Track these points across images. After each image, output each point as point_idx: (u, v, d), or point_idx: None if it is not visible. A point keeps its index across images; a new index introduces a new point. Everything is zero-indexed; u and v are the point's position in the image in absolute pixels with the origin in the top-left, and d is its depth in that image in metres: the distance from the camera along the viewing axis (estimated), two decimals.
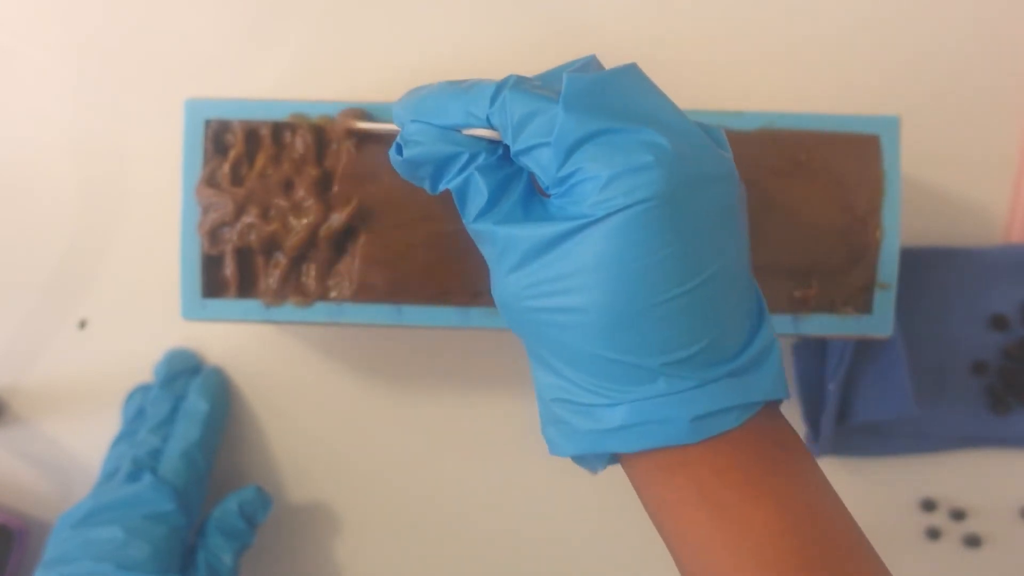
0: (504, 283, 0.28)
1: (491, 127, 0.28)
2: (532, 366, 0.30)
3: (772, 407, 0.29)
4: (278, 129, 0.40)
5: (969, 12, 0.47)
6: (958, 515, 0.47)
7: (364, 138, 0.39)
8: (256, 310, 0.40)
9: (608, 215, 0.26)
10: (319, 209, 0.39)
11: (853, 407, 0.45)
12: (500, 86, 0.28)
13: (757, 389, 0.28)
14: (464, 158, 0.29)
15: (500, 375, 0.48)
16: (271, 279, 0.40)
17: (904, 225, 0.45)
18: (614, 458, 0.30)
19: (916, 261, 0.46)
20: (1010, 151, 0.47)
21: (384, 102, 0.40)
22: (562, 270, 0.27)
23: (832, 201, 0.40)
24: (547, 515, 0.48)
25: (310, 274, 0.40)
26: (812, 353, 0.46)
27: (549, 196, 0.28)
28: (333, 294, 0.40)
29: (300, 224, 0.39)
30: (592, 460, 0.30)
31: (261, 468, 0.48)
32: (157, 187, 0.47)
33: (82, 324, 0.48)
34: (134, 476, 0.42)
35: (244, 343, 0.48)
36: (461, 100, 0.29)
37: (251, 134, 0.40)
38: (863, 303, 0.40)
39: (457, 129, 0.29)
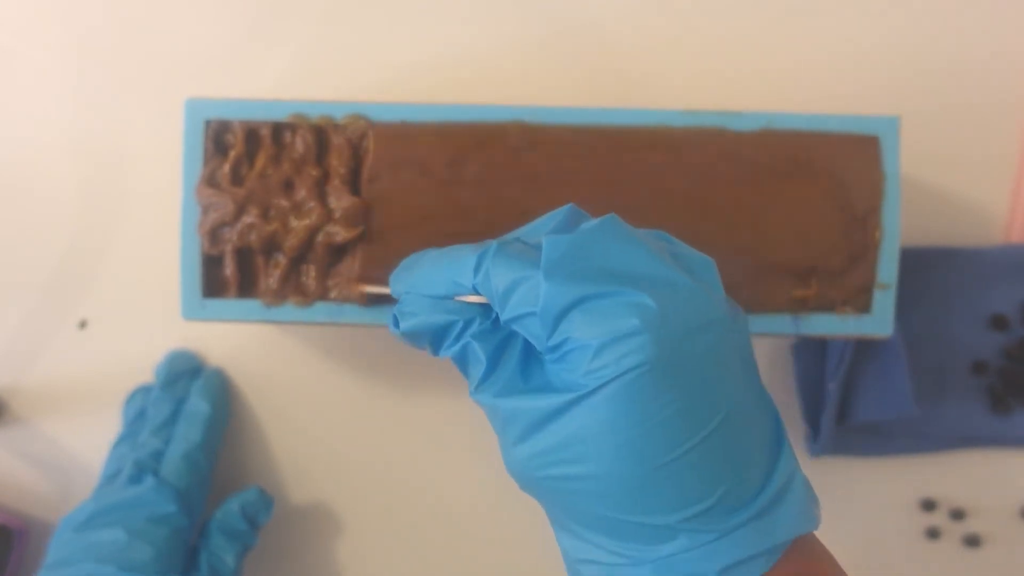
0: (511, 453, 0.28)
1: (477, 294, 0.29)
2: (553, 528, 0.30)
3: (804, 538, 0.28)
4: (278, 129, 0.40)
5: (969, 12, 0.47)
6: (958, 515, 0.47)
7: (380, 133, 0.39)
8: (256, 310, 0.40)
9: (602, 385, 0.26)
10: (319, 210, 0.39)
11: (853, 407, 0.45)
12: (482, 256, 0.28)
13: (783, 528, 0.27)
14: (459, 326, 0.29)
15: None
16: (271, 279, 0.40)
17: (904, 225, 0.45)
18: None
19: (916, 261, 0.46)
20: (1010, 151, 0.47)
21: (384, 102, 0.40)
22: (566, 440, 0.27)
23: (832, 201, 0.40)
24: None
25: (310, 274, 0.40)
26: (812, 353, 0.46)
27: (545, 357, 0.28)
28: (333, 294, 0.40)
29: (300, 224, 0.39)
30: None
31: (262, 469, 0.48)
32: (157, 187, 0.47)
33: (82, 324, 0.48)
34: (136, 478, 0.42)
35: (244, 344, 0.48)
36: (447, 271, 0.30)
37: (251, 134, 0.40)
38: (863, 303, 0.40)
39: (449, 297, 0.30)
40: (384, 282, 0.37)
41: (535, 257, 0.28)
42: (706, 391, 0.26)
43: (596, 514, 0.27)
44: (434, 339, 0.30)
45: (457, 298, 0.30)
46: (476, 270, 0.28)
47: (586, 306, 0.26)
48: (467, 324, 0.29)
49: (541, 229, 0.30)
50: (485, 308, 0.29)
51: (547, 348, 0.27)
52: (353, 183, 0.40)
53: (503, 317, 0.28)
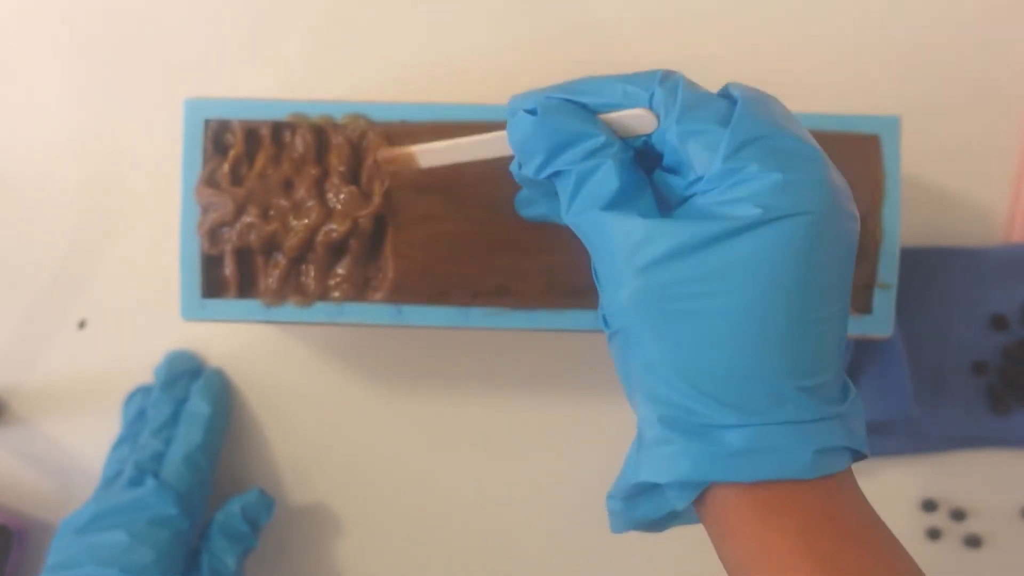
0: (630, 281, 0.26)
1: (649, 105, 0.28)
2: (639, 376, 0.27)
3: (858, 460, 0.28)
4: (278, 129, 0.40)
5: (969, 12, 0.47)
6: (958, 515, 0.47)
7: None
8: (256, 310, 0.40)
9: (776, 218, 0.25)
10: (319, 209, 0.39)
11: None
12: (669, 71, 0.28)
13: (858, 437, 0.27)
14: (599, 141, 0.27)
15: (501, 375, 0.48)
16: (271, 279, 0.40)
17: (904, 225, 0.45)
18: (690, 505, 0.27)
19: (916, 261, 0.46)
20: (1010, 151, 0.47)
21: (383, 102, 0.40)
22: (711, 269, 0.25)
23: None
24: (548, 515, 0.48)
25: (310, 274, 0.40)
26: None
27: (678, 206, 0.27)
28: (336, 294, 0.40)
29: (300, 224, 0.39)
30: (676, 495, 0.27)
31: (263, 470, 0.48)
32: (157, 187, 0.47)
33: (82, 324, 0.48)
34: (137, 480, 0.42)
35: (244, 344, 0.48)
36: (621, 81, 0.28)
37: (251, 134, 0.40)
38: (863, 303, 0.40)
39: (600, 111, 0.28)
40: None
41: (717, 97, 0.28)
42: (840, 272, 0.26)
43: (714, 359, 0.26)
44: (561, 146, 0.28)
45: (608, 116, 0.28)
46: (663, 80, 0.28)
47: (770, 143, 0.26)
48: (608, 144, 0.27)
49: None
50: (625, 143, 0.28)
51: (717, 172, 0.26)
52: (354, 183, 0.39)
53: (677, 128, 0.27)
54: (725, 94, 0.28)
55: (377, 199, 0.39)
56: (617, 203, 0.27)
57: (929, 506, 0.48)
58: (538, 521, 0.48)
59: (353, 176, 0.40)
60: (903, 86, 0.47)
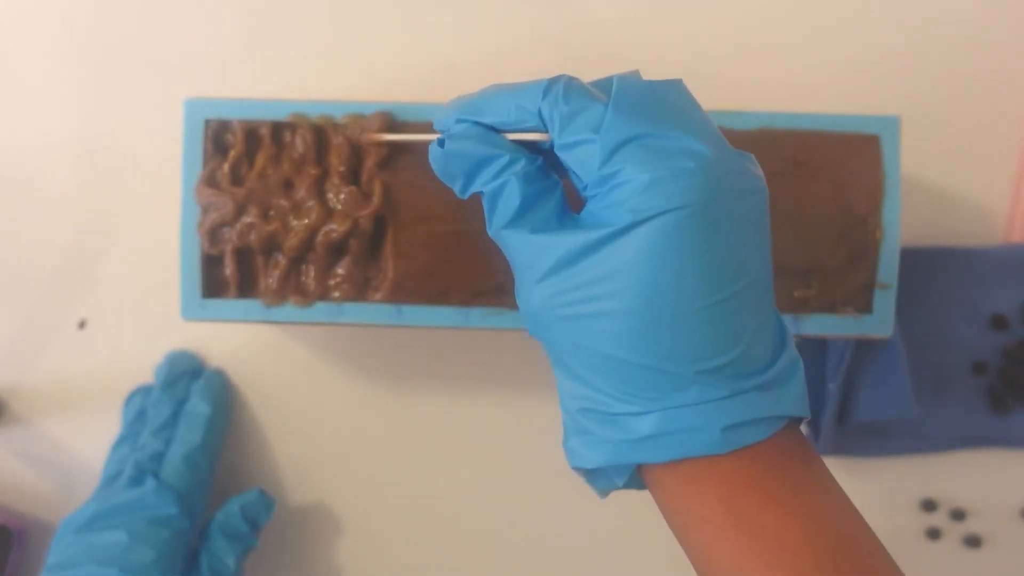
0: (533, 291, 0.28)
1: (540, 122, 0.29)
2: (557, 375, 0.30)
3: (794, 424, 0.29)
4: (278, 129, 0.40)
5: (969, 12, 0.47)
6: (958, 515, 0.47)
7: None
8: (256, 310, 0.40)
9: (647, 219, 0.26)
10: (319, 209, 0.39)
11: (853, 407, 0.45)
12: (553, 80, 0.29)
13: (784, 404, 0.28)
14: (504, 160, 0.29)
15: (500, 375, 0.48)
16: (271, 279, 0.40)
17: (904, 225, 0.45)
18: (634, 476, 0.29)
19: (916, 261, 0.46)
20: (1010, 151, 0.47)
21: (384, 102, 0.40)
22: (597, 276, 0.27)
23: (832, 201, 0.40)
24: (548, 515, 0.48)
25: (310, 274, 0.40)
26: (812, 353, 0.46)
27: (583, 204, 0.28)
28: (336, 294, 0.40)
29: (300, 224, 0.39)
30: (613, 474, 0.29)
31: (263, 470, 0.48)
32: (157, 187, 0.47)
33: (82, 324, 0.48)
34: (136, 480, 0.42)
35: (244, 345, 0.48)
36: (511, 95, 0.29)
37: (251, 134, 0.40)
38: (863, 303, 0.40)
39: (501, 132, 0.30)
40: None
41: (603, 97, 0.28)
42: (739, 251, 0.27)
43: (612, 356, 0.27)
44: (473, 170, 0.30)
45: (510, 136, 0.30)
46: (545, 92, 0.28)
47: (645, 142, 0.27)
48: (512, 161, 0.29)
49: (607, 81, 0.30)
50: (530, 154, 0.29)
51: (595, 178, 0.27)
52: (354, 183, 0.39)
53: (559, 142, 0.28)
54: (610, 90, 0.29)
55: (377, 199, 0.39)
56: (517, 220, 0.29)
57: (929, 506, 0.48)
58: (538, 520, 0.48)
59: (353, 176, 0.40)
60: (903, 86, 0.47)
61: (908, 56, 0.47)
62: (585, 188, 0.28)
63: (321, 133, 0.40)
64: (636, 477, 0.29)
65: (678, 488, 0.28)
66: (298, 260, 0.40)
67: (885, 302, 0.40)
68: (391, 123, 0.39)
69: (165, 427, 0.44)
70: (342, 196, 0.39)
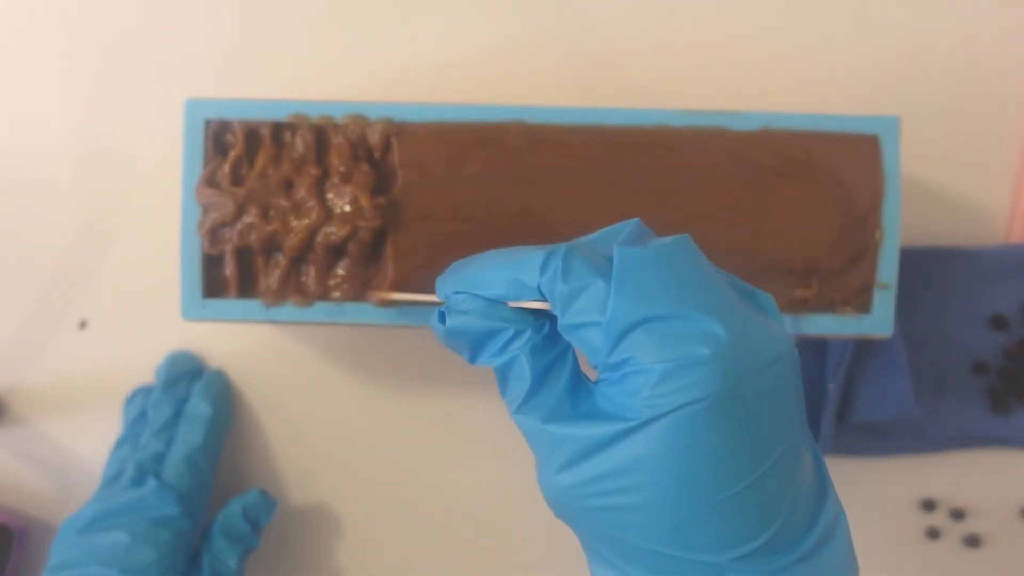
0: (554, 480, 0.27)
1: (541, 297, 0.27)
2: (588, 558, 0.29)
3: None
4: (278, 129, 0.40)
5: (969, 12, 0.47)
6: (958, 515, 0.47)
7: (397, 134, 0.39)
8: (256, 310, 0.40)
9: (662, 415, 0.24)
10: (319, 209, 0.39)
11: (853, 407, 0.45)
12: (551, 255, 0.27)
13: (828, 571, 0.26)
14: (509, 334, 0.28)
15: None
16: (271, 279, 0.40)
17: (904, 225, 0.45)
18: None
19: (916, 261, 0.46)
20: (1010, 151, 0.47)
21: (383, 102, 0.40)
22: (616, 468, 0.25)
23: (832, 201, 0.40)
24: (548, 514, 0.48)
25: (310, 274, 0.40)
26: (812, 353, 0.46)
27: (595, 378, 0.27)
28: (336, 294, 0.40)
29: (300, 225, 0.39)
30: None
31: (264, 470, 0.48)
32: (157, 187, 0.47)
33: (82, 324, 0.48)
34: (138, 481, 0.42)
35: (245, 345, 0.48)
36: (510, 269, 0.28)
37: (251, 134, 0.40)
38: (863, 303, 0.40)
39: (503, 302, 0.28)
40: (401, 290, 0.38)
41: (604, 266, 0.26)
42: (766, 427, 0.25)
43: (640, 547, 0.26)
44: (478, 343, 0.29)
45: (512, 304, 0.28)
46: (543, 268, 0.27)
47: (654, 326, 0.25)
48: (518, 334, 0.28)
49: (605, 240, 0.28)
50: (538, 322, 0.28)
51: (605, 365, 0.26)
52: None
53: (562, 322, 0.27)
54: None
55: (376, 221, 0.39)
56: (529, 402, 0.27)
57: (929, 506, 0.48)
58: (538, 520, 0.48)
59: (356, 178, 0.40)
60: (903, 86, 0.47)
61: (908, 56, 0.47)
62: (596, 367, 0.27)
63: (321, 133, 0.40)
64: None
65: None
66: (298, 260, 0.40)
67: (885, 302, 0.40)
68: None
69: (166, 428, 0.44)
70: (347, 208, 0.39)
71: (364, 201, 0.39)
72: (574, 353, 0.28)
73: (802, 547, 0.26)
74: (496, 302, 0.28)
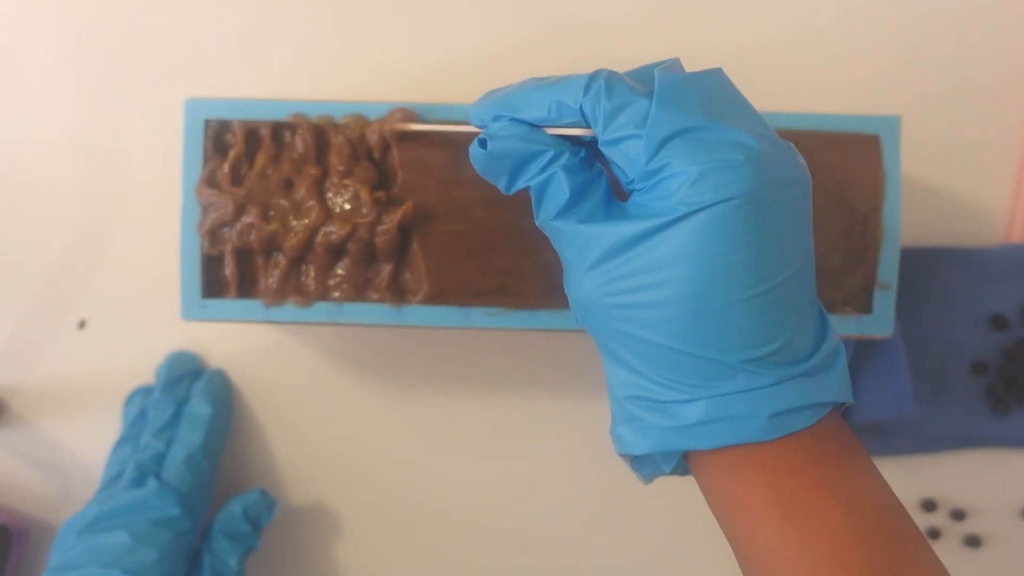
0: (583, 280, 0.29)
1: (582, 117, 0.29)
2: (605, 363, 0.30)
3: (835, 411, 0.29)
4: (278, 129, 0.40)
5: (969, 11, 0.47)
6: (958, 515, 0.47)
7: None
8: (256, 310, 0.40)
9: (696, 211, 0.26)
10: (319, 209, 0.39)
11: (853, 407, 0.45)
12: (594, 76, 0.29)
13: (828, 390, 0.28)
14: (549, 155, 0.29)
15: (501, 375, 0.48)
16: (271, 279, 0.40)
17: (904, 225, 0.45)
18: (680, 463, 0.30)
19: (916, 261, 0.46)
20: (1010, 151, 0.47)
21: (383, 102, 0.40)
22: (645, 265, 0.27)
23: (832, 201, 0.40)
24: (549, 515, 0.48)
25: (310, 274, 0.40)
26: None
27: (628, 197, 0.29)
28: (336, 294, 0.40)
29: (300, 224, 0.39)
30: (660, 461, 0.29)
31: (264, 471, 0.48)
32: (157, 187, 0.47)
33: (82, 324, 0.48)
34: (138, 481, 0.42)
35: (246, 345, 0.48)
36: (551, 91, 0.29)
37: (251, 134, 0.40)
38: (863, 303, 0.40)
39: (542, 127, 0.30)
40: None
41: (644, 90, 0.28)
42: (785, 241, 0.27)
43: (660, 345, 0.27)
44: (518, 166, 0.30)
45: (551, 130, 0.30)
46: (587, 89, 0.28)
47: (691, 135, 0.27)
48: (557, 156, 0.29)
49: (643, 71, 0.30)
50: (574, 147, 0.30)
51: (642, 173, 0.27)
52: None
53: (603, 138, 0.28)
54: (651, 81, 0.29)
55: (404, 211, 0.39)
56: (566, 212, 0.29)
57: (929, 506, 0.48)
58: (538, 520, 0.48)
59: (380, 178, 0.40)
60: (903, 86, 0.47)
61: (908, 56, 0.47)
62: (631, 182, 0.28)
63: (321, 133, 0.40)
64: (682, 464, 0.30)
65: (723, 474, 0.28)
66: (298, 260, 0.40)
67: (885, 302, 0.40)
68: (414, 118, 0.39)
69: (166, 428, 0.44)
70: (368, 214, 0.39)
71: (364, 195, 0.39)
72: (608, 177, 0.30)
73: (807, 364, 0.28)
74: (535, 127, 0.30)
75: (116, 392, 0.48)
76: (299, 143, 0.40)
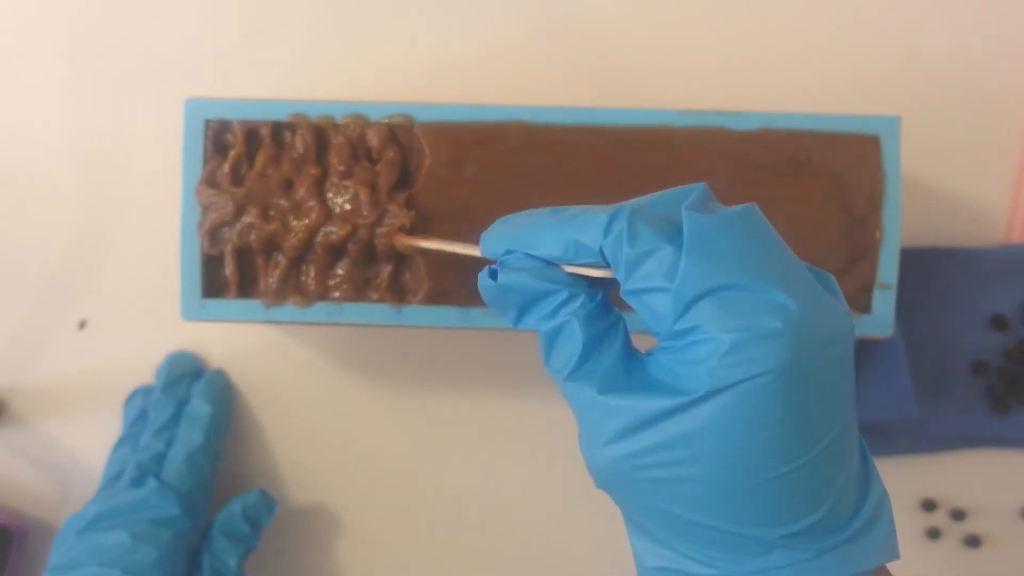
0: (601, 451, 0.26)
1: (601, 259, 0.26)
2: (630, 532, 0.28)
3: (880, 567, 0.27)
4: (278, 129, 0.40)
5: (969, 12, 0.47)
6: (958, 515, 0.47)
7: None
8: (256, 310, 0.40)
9: (729, 386, 0.24)
10: (319, 209, 0.39)
11: None
12: (615, 216, 0.26)
13: (872, 554, 0.26)
14: (562, 297, 0.27)
15: (500, 375, 0.48)
16: (271, 279, 0.40)
17: (904, 225, 0.45)
18: None
19: (916, 261, 0.46)
20: (1010, 151, 0.47)
21: (383, 102, 0.40)
22: (672, 439, 0.25)
23: (832, 201, 0.40)
24: (549, 515, 0.48)
25: (310, 274, 0.40)
26: None
27: (651, 348, 0.27)
28: (336, 294, 0.40)
29: (300, 224, 0.39)
30: None
31: (264, 471, 0.48)
32: (157, 187, 0.47)
33: (82, 324, 0.48)
34: (138, 481, 0.42)
35: (246, 345, 0.48)
36: (568, 228, 0.27)
37: (251, 134, 0.40)
38: (863, 303, 0.40)
39: (557, 264, 0.28)
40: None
41: (670, 231, 0.26)
42: (827, 406, 0.25)
43: (688, 520, 0.25)
44: (528, 304, 0.28)
45: (568, 268, 0.27)
46: (607, 230, 0.26)
47: (723, 296, 0.24)
48: (571, 298, 0.27)
49: (667, 202, 0.27)
50: (591, 290, 0.27)
51: (669, 333, 0.25)
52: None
53: (626, 287, 0.26)
54: (677, 219, 0.26)
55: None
56: (580, 369, 0.27)
57: (929, 506, 0.48)
58: (539, 520, 0.48)
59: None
60: (903, 86, 0.47)
61: (908, 57, 0.47)
62: (657, 334, 0.26)
63: (321, 133, 0.40)
64: None
65: None
66: (298, 260, 0.40)
67: (885, 302, 0.40)
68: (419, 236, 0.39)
69: (166, 428, 0.44)
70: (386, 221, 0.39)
71: (364, 195, 0.39)
72: (626, 325, 0.28)
73: (851, 527, 0.26)
74: (551, 264, 0.28)
75: (116, 392, 0.48)
76: (299, 143, 0.40)
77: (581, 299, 0.27)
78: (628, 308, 0.31)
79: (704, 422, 0.24)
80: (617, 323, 0.27)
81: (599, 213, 0.26)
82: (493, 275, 0.29)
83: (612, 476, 0.26)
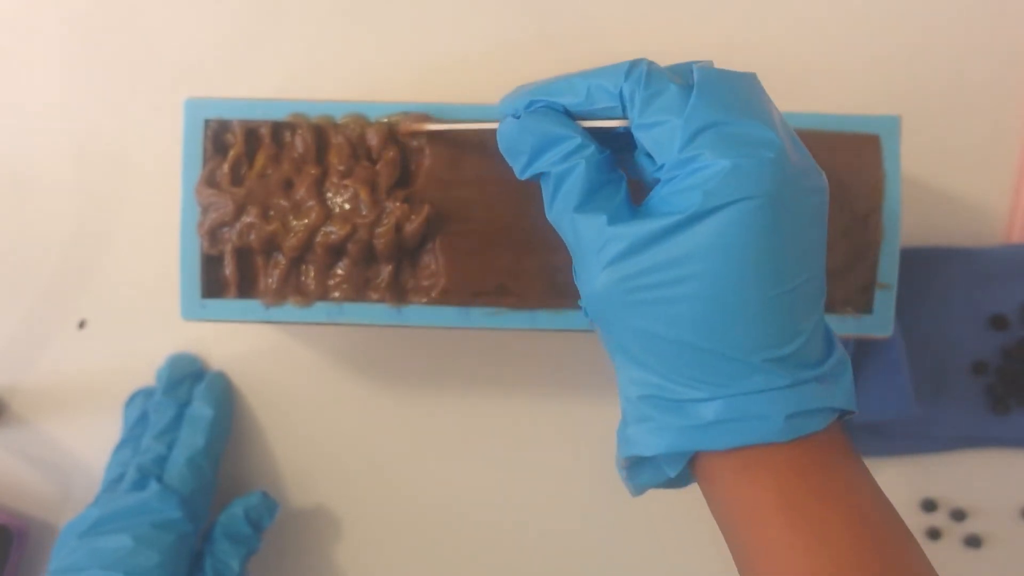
0: (599, 275, 0.28)
1: (619, 102, 0.29)
2: (618, 363, 0.30)
3: (840, 419, 0.29)
4: (278, 129, 0.40)
5: (969, 11, 0.47)
6: (958, 515, 0.47)
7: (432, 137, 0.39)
8: (256, 310, 0.40)
9: (723, 206, 0.26)
10: (319, 209, 0.39)
11: None
12: (635, 63, 0.29)
13: (838, 397, 0.28)
14: (575, 143, 0.29)
15: (501, 375, 0.48)
16: (271, 279, 0.40)
17: (904, 225, 0.45)
18: (684, 468, 0.29)
19: (916, 261, 0.46)
20: (1010, 151, 0.47)
21: (383, 102, 0.40)
22: (668, 260, 0.27)
23: (832, 201, 0.39)
24: (549, 515, 0.48)
25: (310, 274, 0.40)
26: None
27: (649, 191, 0.29)
28: (336, 294, 0.40)
29: (300, 224, 0.39)
30: (666, 464, 0.29)
31: (266, 473, 0.48)
32: (157, 187, 0.47)
33: (82, 324, 0.48)
34: (140, 484, 0.42)
35: (247, 347, 0.48)
36: (589, 76, 0.30)
37: (251, 134, 0.40)
38: (863, 303, 0.40)
39: (576, 119, 0.30)
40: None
41: (682, 81, 0.29)
42: (804, 245, 0.28)
43: (679, 342, 0.27)
44: (542, 146, 0.30)
45: (584, 123, 0.30)
46: (627, 74, 0.29)
47: (726, 128, 0.27)
48: (583, 146, 0.29)
49: (679, 67, 0.30)
50: (600, 143, 0.30)
51: (674, 160, 0.28)
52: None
53: (638, 120, 0.28)
54: (688, 75, 0.29)
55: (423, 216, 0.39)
56: (586, 204, 0.29)
57: (929, 506, 0.48)
58: (539, 520, 0.48)
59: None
60: (903, 86, 0.47)
61: (908, 56, 0.47)
62: (659, 170, 0.28)
63: (321, 133, 0.40)
64: (685, 470, 0.30)
65: (732, 476, 0.28)
66: (298, 260, 0.40)
67: (885, 302, 0.40)
68: (428, 119, 0.39)
69: (168, 430, 0.44)
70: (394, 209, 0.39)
71: (364, 195, 0.39)
72: (627, 180, 0.30)
73: (820, 369, 0.28)
74: (569, 115, 0.30)
75: (117, 393, 0.48)
76: (299, 143, 0.40)
77: (591, 148, 0.29)
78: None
79: (699, 241, 0.27)
80: (620, 180, 0.30)
81: (620, 63, 0.30)
82: (514, 115, 0.31)
83: (608, 300, 0.28)
